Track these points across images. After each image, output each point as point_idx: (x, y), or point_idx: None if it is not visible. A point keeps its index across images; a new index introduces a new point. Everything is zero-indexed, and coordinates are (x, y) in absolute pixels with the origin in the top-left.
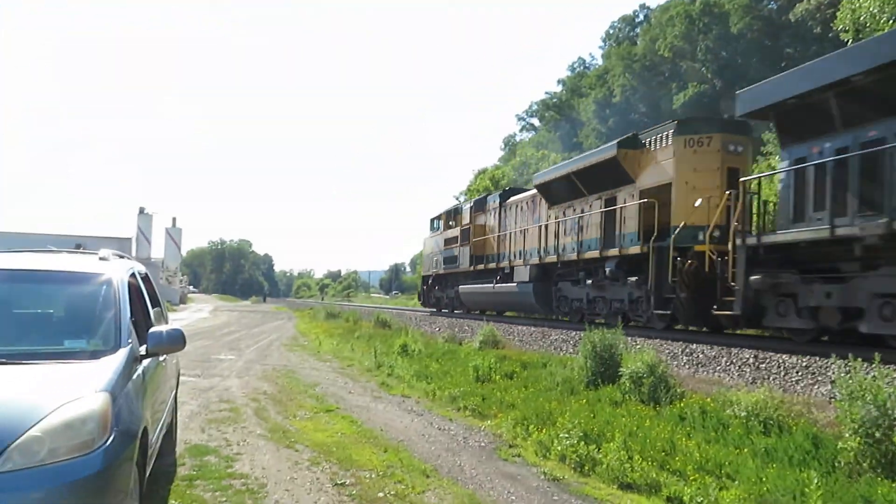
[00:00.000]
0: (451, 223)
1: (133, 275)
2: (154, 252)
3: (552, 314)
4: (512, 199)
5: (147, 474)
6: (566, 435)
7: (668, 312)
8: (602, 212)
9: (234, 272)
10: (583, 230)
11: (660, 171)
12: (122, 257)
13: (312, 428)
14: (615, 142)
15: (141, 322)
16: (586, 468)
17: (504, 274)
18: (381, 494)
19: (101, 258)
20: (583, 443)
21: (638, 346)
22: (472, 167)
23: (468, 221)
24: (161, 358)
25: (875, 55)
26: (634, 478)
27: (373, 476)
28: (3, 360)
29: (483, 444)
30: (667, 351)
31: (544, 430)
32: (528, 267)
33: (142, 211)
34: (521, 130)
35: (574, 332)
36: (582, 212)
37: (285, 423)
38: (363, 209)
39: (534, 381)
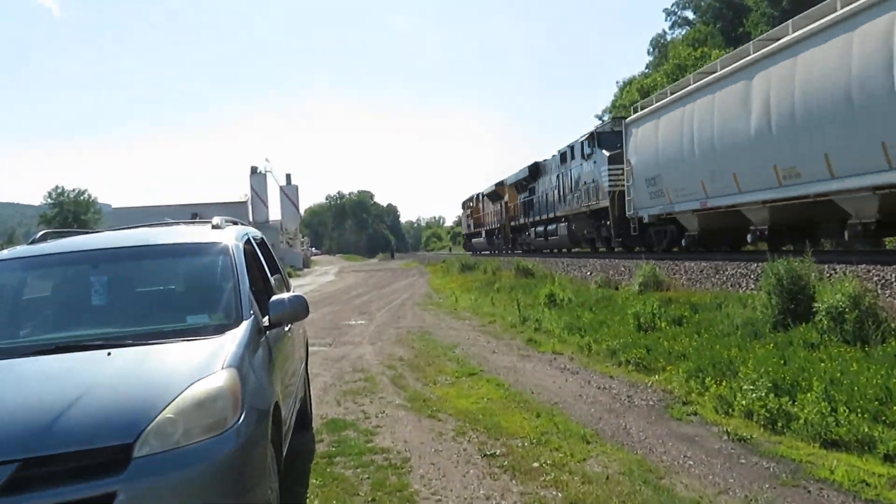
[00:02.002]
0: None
1: (248, 241)
2: (271, 214)
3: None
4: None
5: (284, 452)
6: (751, 387)
7: None
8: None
9: (358, 227)
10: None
11: None
12: (235, 223)
13: (455, 394)
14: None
15: (262, 291)
16: (779, 424)
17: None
18: (535, 465)
19: (213, 226)
20: (773, 395)
21: (838, 275)
22: (617, 78)
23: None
24: (286, 328)
25: None
26: (840, 433)
27: (525, 444)
28: (128, 342)
29: (651, 402)
30: (875, 278)
31: (724, 383)
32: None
33: (254, 171)
34: (671, 27)
35: (755, 265)
36: None
37: (425, 390)
38: (491, 141)
39: (707, 325)
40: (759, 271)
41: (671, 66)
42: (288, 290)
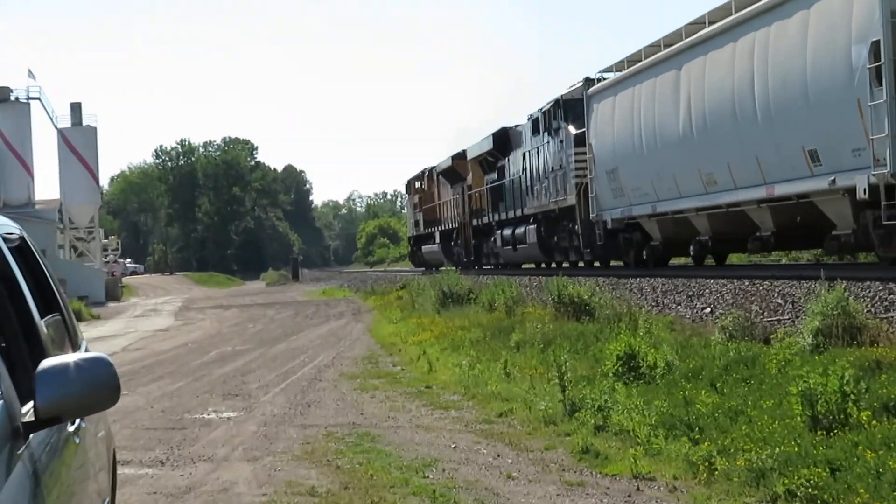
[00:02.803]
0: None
1: None
2: (41, 188)
3: None
4: None
5: None
6: None
7: None
8: None
9: (222, 217)
10: None
11: None
12: None
13: None
14: None
15: (17, 350)
16: None
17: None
18: None
19: None
20: None
21: None
22: None
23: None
24: (71, 426)
25: None
26: None
27: None
28: None
29: None
30: None
31: None
32: None
33: (3, 96)
34: None
35: None
36: None
37: None
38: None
39: None
40: None
41: None
42: (76, 348)
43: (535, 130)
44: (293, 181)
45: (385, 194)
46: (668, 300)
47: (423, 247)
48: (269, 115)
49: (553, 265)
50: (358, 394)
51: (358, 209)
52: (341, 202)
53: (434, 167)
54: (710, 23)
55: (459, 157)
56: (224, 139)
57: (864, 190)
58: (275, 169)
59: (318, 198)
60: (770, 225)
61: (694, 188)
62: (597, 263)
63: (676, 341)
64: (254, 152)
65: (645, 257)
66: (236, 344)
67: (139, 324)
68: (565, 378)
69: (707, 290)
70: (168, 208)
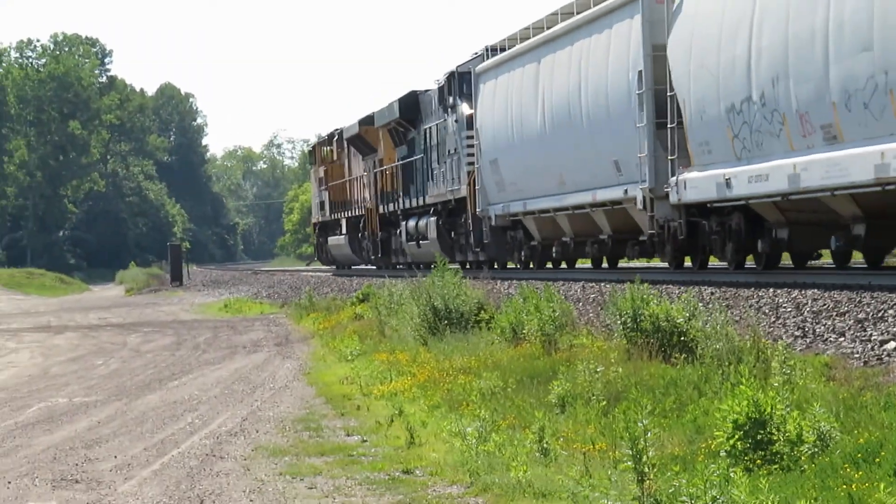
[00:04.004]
0: None
1: None
2: None
3: None
4: None
5: None
6: None
7: None
8: None
9: (54, 165)
10: None
11: None
12: None
13: None
14: None
15: None
16: None
17: None
18: None
19: None
20: None
21: None
22: None
23: None
24: None
25: None
26: None
27: None
28: None
29: None
30: None
31: None
32: None
33: None
34: None
35: None
36: None
37: None
38: None
39: None
40: None
41: None
42: None
43: (439, 102)
44: (174, 112)
45: (334, 137)
46: (823, 326)
47: (329, 238)
48: (132, 3)
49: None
50: (286, 483)
51: (287, 163)
52: (257, 150)
53: (342, 130)
54: (578, 12)
55: (367, 121)
56: (53, 38)
57: (641, 200)
58: (142, 90)
59: (216, 144)
60: (608, 228)
61: (551, 187)
62: (471, 261)
63: (837, 398)
64: (105, 61)
65: (524, 258)
66: (75, 392)
67: None
68: (644, 460)
69: (892, 310)
70: None
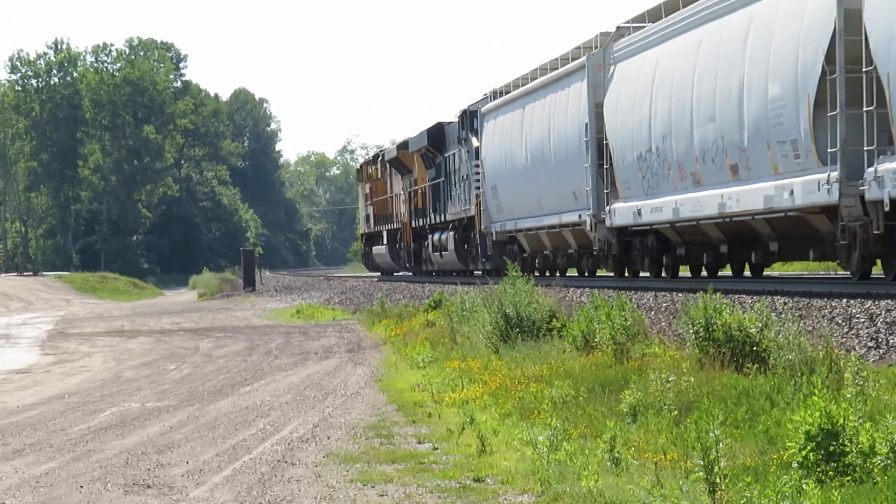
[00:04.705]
0: None
1: None
2: None
3: None
4: None
5: None
6: None
7: None
8: None
9: (128, 170)
10: None
11: None
12: None
13: None
14: None
15: None
16: None
17: None
18: None
19: None
20: None
21: None
22: None
23: None
24: None
25: None
26: None
27: None
28: None
29: None
30: None
31: None
32: None
33: None
34: None
35: None
36: None
37: None
38: None
39: None
40: None
41: None
42: None
43: (457, 134)
44: (248, 117)
45: (378, 158)
46: None
47: (373, 247)
48: (207, 8)
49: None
50: (357, 490)
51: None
52: (331, 156)
53: (383, 153)
54: (551, 69)
55: (403, 146)
56: (129, 42)
57: (589, 223)
58: (216, 95)
59: (289, 149)
60: (574, 244)
61: (534, 210)
62: (479, 272)
63: None
64: (180, 65)
65: (519, 266)
66: (148, 397)
67: None
68: (716, 470)
69: None
70: (30, 159)
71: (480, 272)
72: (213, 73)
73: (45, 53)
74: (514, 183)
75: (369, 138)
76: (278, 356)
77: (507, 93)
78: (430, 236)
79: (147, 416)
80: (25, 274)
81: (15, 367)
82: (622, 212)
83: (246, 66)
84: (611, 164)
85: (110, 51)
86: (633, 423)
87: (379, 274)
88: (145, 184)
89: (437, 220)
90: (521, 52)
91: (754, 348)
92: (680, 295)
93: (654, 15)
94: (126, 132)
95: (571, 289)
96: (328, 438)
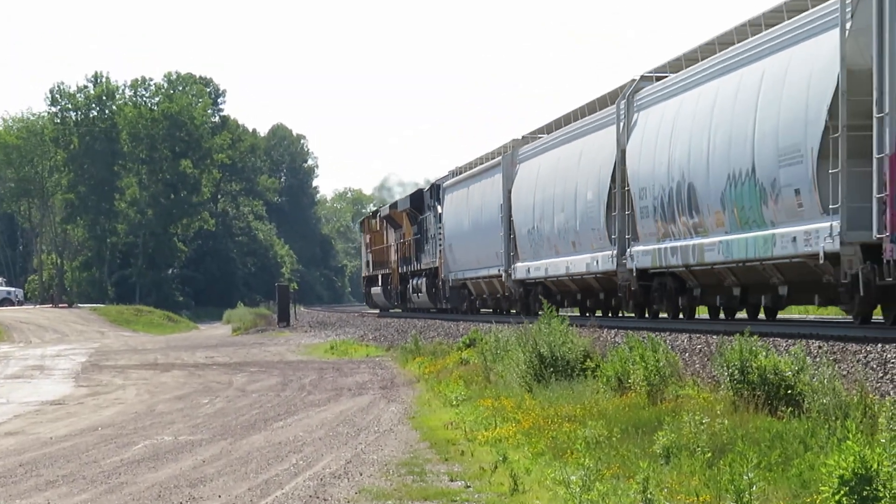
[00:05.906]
0: None
1: None
2: None
3: None
4: None
5: None
6: None
7: None
8: None
9: (165, 203)
10: None
11: None
12: None
13: None
14: None
15: None
16: None
17: None
18: None
19: None
20: None
21: None
22: None
23: None
24: None
25: None
26: None
27: None
28: None
29: None
30: None
31: None
32: None
33: None
34: None
35: None
36: None
37: None
38: None
39: None
40: None
41: None
42: None
43: (427, 202)
44: (285, 153)
45: (377, 213)
46: None
47: (372, 288)
48: (246, 45)
49: (602, 313)
50: None
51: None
52: (368, 192)
53: (380, 209)
54: (489, 158)
55: (394, 206)
56: (167, 77)
57: (504, 276)
58: (254, 131)
59: (326, 185)
60: (499, 289)
61: (474, 264)
62: (435, 309)
63: None
64: (218, 101)
65: (465, 307)
66: (181, 431)
67: (14, 391)
68: None
69: None
70: (68, 192)
71: (508, 312)
72: (251, 108)
73: (85, 87)
74: (462, 243)
75: (406, 175)
76: (312, 392)
77: (459, 173)
78: (411, 280)
79: (180, 449)
80: (60, 306)
81: (49, 399)
82: (520, 269)
83: (284, 102)
84: (514, 234)
85: (149, 85)
86: (667, 465)
87: (377, 311)
88: (181, 218)
89: (416, 268)
90: (552, 101)
91: (789, 391)
92: (715, 337)
93: (550, 127)
94: (163, 166)
95: (605, 329)
96: (361, 475)
